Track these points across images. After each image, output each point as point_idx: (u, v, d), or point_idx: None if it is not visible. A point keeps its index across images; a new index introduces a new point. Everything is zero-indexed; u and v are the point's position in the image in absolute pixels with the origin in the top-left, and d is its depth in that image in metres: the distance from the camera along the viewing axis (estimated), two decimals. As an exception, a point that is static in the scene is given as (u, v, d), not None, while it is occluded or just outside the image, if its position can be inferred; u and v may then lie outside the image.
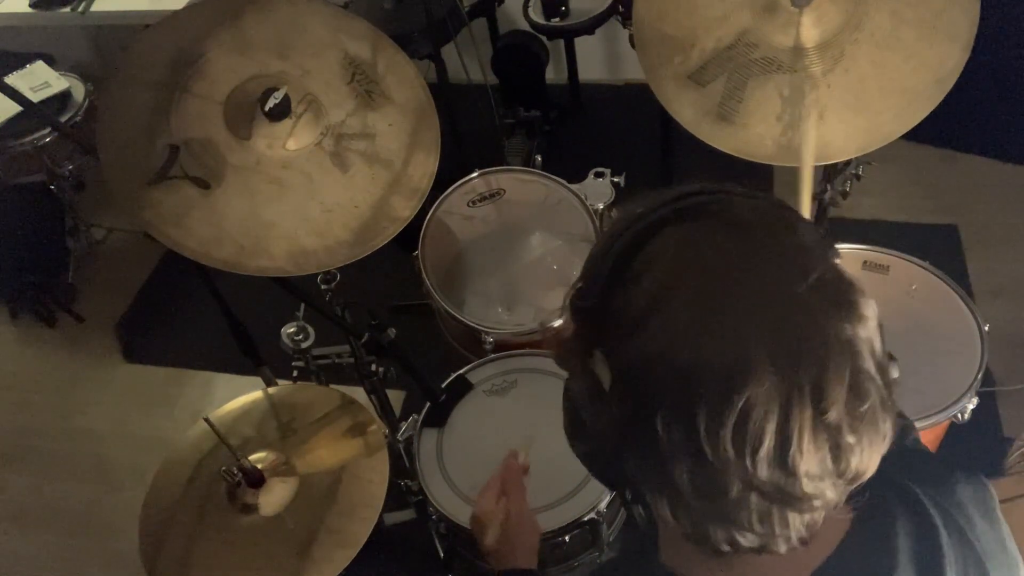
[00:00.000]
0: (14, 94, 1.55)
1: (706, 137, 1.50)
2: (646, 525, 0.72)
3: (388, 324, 1.60)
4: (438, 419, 1.59)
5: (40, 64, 2.79)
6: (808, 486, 0.57)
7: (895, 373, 0.61)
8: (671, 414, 0.57)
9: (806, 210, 1.45)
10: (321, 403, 1.65)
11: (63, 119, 2.65)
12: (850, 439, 0.57)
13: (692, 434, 0.56)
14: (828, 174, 1.93)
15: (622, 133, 3.12)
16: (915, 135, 1.41)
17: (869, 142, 1.44)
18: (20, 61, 2.79)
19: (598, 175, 1.99)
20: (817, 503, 0.59)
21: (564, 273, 1.86)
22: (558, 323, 1.71)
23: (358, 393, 1.78)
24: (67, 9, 2.69)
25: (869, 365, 0.58)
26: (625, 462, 0.62)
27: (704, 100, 1.50)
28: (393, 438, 1.65)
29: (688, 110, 1.52)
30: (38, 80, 2.72)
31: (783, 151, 1.46)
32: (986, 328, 1.59)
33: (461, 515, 1.41)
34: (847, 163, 1.94)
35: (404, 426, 1.61)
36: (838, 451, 0.57)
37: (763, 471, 0.56)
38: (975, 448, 1.88)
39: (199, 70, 1.41)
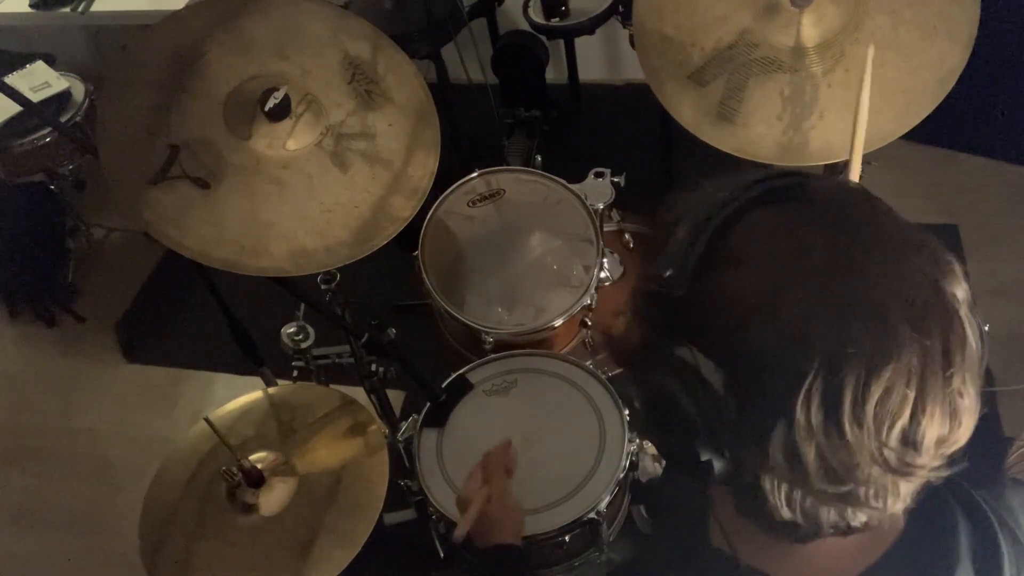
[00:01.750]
0: (14, 94, 1.55)
1: (706, 137, 1.50)
2: (646, 527, 0.72)
3: (388, 324, 1.60)
4: (438, 419, 1.58)
5: (40, 64, 2.78)
6: (925, 456, 0.57)
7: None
8: (810, 397, 0.55)
9: None
10: (321, 403, 1.65)
11: (63, 119, 2.64)
12: (965, 403, 0.58)
13: (832, 414, 0.55)
14: (828, 174, 1.92)
15: (622, 133, 3.11)
16: (915, 135, 1.41)
17: (869, 142, 1.44)
18: (20, 61, 2.79)
19: (598, 175, 1.99)
20: (922, 472, 0.59)
21: (564, 273, 1.85)
22: (558, 323, 1.73)
23: (358, 393, 1.78)
24: (67, 9, 2.69)
25: (973, 328, 0.60)
26: (739, 453, 0.60)
27: (704, 100, 1.50)
28: (393, 438, 1.65)
29: (688, 110, 1.52)
30: (38, 80, 2.72)
31: (784, 151, 1.46)
32: (986, 328, 1.59)
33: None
34: (847, 163, 1.94)
35: (404, 426, 1.61)
36: (955, 418, 0.58)
37: (893, 443, 0.56)
38: (975, 448, 1.88)
39: (199, 70, 1.41)
